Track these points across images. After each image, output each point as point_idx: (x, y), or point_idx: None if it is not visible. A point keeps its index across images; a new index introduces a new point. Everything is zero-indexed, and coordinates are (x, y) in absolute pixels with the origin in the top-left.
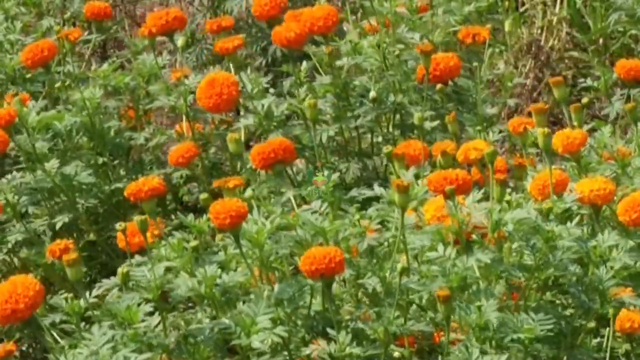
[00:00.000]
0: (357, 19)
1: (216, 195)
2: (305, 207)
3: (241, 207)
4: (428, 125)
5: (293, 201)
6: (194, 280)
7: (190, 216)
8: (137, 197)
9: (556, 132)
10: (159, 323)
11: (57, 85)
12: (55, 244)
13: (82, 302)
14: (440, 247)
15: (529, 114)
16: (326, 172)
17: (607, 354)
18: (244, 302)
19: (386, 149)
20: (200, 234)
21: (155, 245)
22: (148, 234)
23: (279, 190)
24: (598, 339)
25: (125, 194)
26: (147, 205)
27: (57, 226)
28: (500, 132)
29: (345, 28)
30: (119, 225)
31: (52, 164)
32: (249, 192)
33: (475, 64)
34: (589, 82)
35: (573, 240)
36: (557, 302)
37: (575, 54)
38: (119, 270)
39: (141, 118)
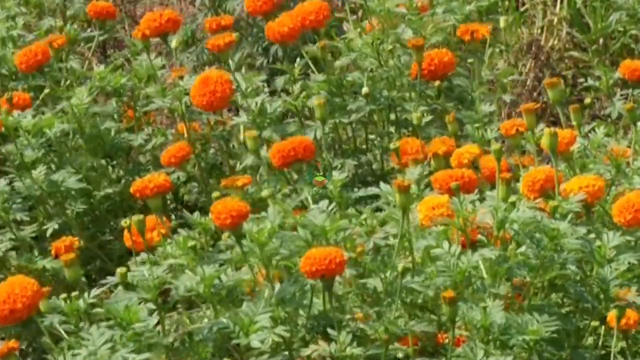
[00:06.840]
0: (358, 19)
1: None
2: (313, 206)
3: (242, 207)
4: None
5: (310, 200)
6: (193, 280)
7: (196, 214)
8: (143, 193)
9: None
10: (157, 323)
11: (63, 86)
12: (60, 240)
13: (81, 302)
14: (445, 245)
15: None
16: (334, 172)
17: (612, 352)
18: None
19: (393, 144)
20: (206, 232)
21: (161, 244)
22: (155, 233)
23: (278, 190)
24: (593, 337)
25: (130, 190)
26: (153, 202)
27: (48, 233)
28: (498, 130)
29: (345, 28)
30: (124, 222)
31: (40, 171)
32: (265, 192)
33: (470, 60)
34: (590, 82)
35: (578, 239)
36: (560, 301)
37: (575, 54)
38: (118, 270)
39: (140, 119)
